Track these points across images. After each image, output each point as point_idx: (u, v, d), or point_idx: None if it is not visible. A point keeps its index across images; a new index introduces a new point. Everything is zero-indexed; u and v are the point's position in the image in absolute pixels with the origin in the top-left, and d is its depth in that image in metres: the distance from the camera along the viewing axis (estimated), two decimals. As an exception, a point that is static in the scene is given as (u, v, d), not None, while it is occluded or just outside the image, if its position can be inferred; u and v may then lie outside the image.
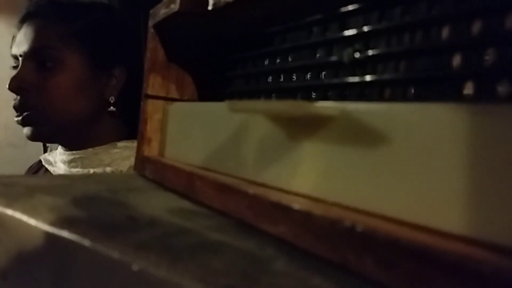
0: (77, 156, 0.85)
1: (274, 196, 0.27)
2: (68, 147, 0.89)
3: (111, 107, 0.85)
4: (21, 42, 0.84)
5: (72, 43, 0.83)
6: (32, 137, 0.85)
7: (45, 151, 1.30)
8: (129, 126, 0.87)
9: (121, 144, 0.85)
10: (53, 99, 0.82)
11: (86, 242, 0.26)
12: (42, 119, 0.83)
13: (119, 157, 0.83)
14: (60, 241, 0.27)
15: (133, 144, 0.83)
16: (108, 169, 0.81)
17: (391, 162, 0.22)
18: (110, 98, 0.85)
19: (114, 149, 0.84)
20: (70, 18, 0.84)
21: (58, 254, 0.27)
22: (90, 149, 0.85)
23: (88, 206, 0.34)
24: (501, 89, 0.22)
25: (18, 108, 0.83)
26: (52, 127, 0.84)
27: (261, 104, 0.29)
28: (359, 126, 0.24)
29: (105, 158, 0.83)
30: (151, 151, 0.47)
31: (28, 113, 0.83)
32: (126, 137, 0.87)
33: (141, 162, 0.47)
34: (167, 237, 0.27)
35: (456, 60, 0.24)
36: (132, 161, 0.81)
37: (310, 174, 0.27)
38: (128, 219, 0.31)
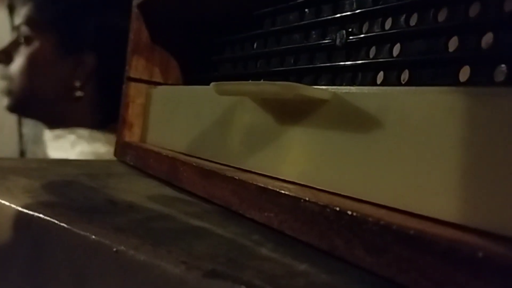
0: (50, 135, 0.88)
1: (261, 181, 0.26)
2: (44, 124, 0.92)
3: (77, 92, 0.86)
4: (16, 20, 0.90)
5: (46, 24, 0.86)
6: (6, 107, 0.90)
7: (20, 138, 1.28)
8: (98, 113, 0.88)
9: (80, 131, 0.85)
10: (17, 71, 0.86)
11: (62, 224, 0.25)
12: (9, 90, 0.88)
13: (73, 144, 0.83)
14: (34, 222, 0.26)
15: (90, 132, 0.84)
16: (67, 154, 0.81)
17: (383, 148, 0.22)
18: (76, 82, 0.86)
19: (71, 135, 0.85)
20: (51, 2, 0.88)
21: (32, 236, 0.26)
22: (57, 131, 0.87)
23: (65, 189, 0.33)
24: (498, 73, 0.21)
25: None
26: (14, 99, 0.87)
27: (249, 85, 0.29)
28: (351, 110, 0.24)
29: (65, 143, 0.84)
30: (132, 136, 0.46)
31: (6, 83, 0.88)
32: (91, 125, 0.87)
33: (122, 147, 0.46)
34: (148, 221, 0.26)
35: (453, 44, 0.23)
36: (80, 150, 0.80)
37: (299, 161, 0.27)
38: (108, 203, 0.30)
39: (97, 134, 0.84)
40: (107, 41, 0.86)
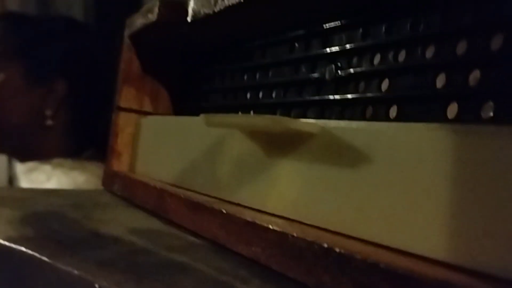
0: (22, 168, 0.84)
1: (248, 215, 0.26)
2: (14, 158, 0.88)
3: (48, 121, 0.83)
4: None
5: (11, 54, 0.84)
6: None
7: (9, 164, 1.26)
8: (71, 141, 0.85)
9: (55, 161, 0.82)
10: None
11: (44, 258, 0.24)
12: None
13: (49, 176, 0.81)
14: (16, 256, 0.25)
15: (65, 162, 0.81)
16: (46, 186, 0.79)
17: (371, 184, 0.22)
18: (47, 111, 0.83)
19: (46, 166, 0.82)
20: (15, 31, 0.86)
21: (13, 269, 0.26)
22: (29, 163, 0.84)
23: (49, 220, 0.32)
24: (485, 110, 0.21)
25: None
26: None
27: (238, 118, 0.29)
28: (339, 145, 0.24)
29: (40, 175, 0.81)
30: (120, 166, 0.46)
31: None
32: (65, 154, 0.84)
33: (110, 177, 0.45)
34: (132, 255, 0.26)
35: (441, 80, 0.24)
36: (57, 181, 0.76)
37: (287, 194, 0.26)
38: (92, 235, 0.29)
39: (73, 163, 0.81)
40: (76, 65, 0.85)
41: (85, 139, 0.85)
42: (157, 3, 0.39)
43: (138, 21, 0.42)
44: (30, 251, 0.25)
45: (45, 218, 0.33)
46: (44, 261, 0.24)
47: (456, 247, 0.18)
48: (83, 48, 0.86)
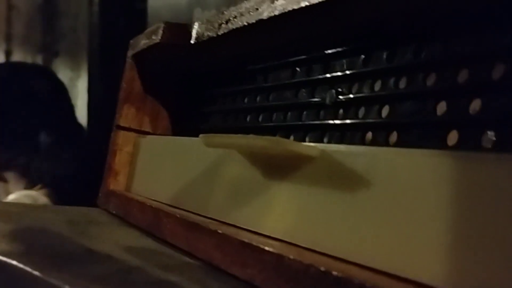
0: None
1: (245, 236, 0.25)
2: None
3: None
4: None
5: None
6: None
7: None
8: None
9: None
10: None
11: (36, 272, 0.24)
12: None
13: None
14: (8, 269, 0.25)
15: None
16: None
17: (370, 209, 0.22)
18: None
19: None
20: None
21: (5, 283, 0.25)
22: None
23: (43, 235, 0.32)
24: (486, 139, 0.21)
25: None
26: None
27: (237, 138, 0.29)
28: (338, 169, 0.24)
29: None
30: (117, 184, 0.45)
31: None
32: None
33: (105, 195, 0.45)
34: (125, 272, 0.25)
35: (441, 108, 0.24)
36: None
37: (284, 217, 0.26)
38: (85, 251, 0.29)
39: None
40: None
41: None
42: (162, 25, 0.40)
43: (142, 41, 0.42)
44: (22, 265, 0.24)
45: (38, 233, 0.32)
46: (36, 275, 0.24)
47: (455, 274, 0.18)
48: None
